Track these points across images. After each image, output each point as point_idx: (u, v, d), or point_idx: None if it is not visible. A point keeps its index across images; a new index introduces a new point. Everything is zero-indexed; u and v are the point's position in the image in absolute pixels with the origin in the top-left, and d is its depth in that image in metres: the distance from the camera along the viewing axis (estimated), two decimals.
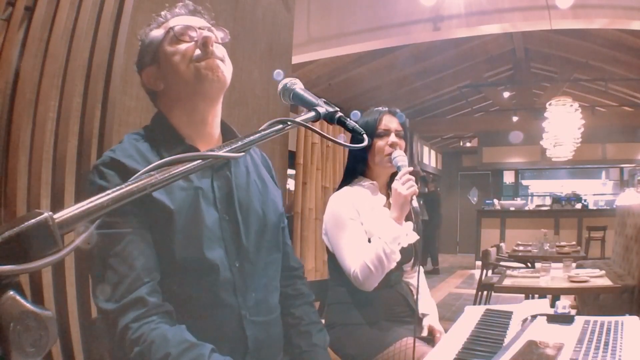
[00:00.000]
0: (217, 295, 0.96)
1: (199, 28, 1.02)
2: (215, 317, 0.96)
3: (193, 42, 1.00)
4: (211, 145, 1.04)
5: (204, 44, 1.00)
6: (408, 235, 1.56)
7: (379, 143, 1.58)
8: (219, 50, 1.03)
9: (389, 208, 1.62)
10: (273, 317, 1.06)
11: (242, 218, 1.02)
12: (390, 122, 1.61)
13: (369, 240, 1.49)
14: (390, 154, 1.56)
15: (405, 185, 1.45)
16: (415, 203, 1.44)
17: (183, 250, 0.93)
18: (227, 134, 1.10)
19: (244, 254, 1.00)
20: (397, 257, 1.45)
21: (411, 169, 1.50)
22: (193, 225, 0.94)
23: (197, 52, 1.00)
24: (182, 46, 1.00)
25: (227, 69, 1.03)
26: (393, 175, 1.65)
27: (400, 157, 1.53)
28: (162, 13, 1.07)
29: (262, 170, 1.15)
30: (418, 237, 1.59)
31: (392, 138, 1.58)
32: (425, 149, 11.14)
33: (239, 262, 0.99)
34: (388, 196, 1.64)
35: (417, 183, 1.48)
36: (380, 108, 1.64)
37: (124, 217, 0.89)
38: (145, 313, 0.86)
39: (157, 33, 1.04)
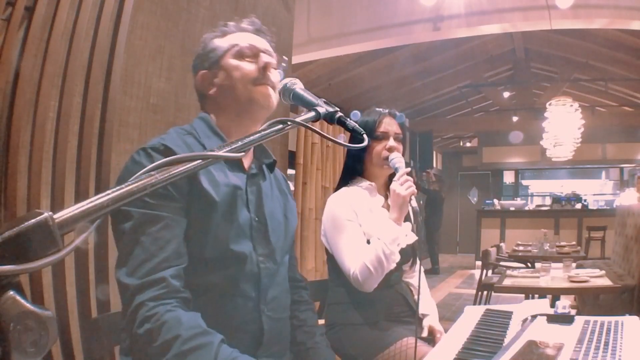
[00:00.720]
0: (242, 287, 1.00)
1: (262, 51, 1.08)
2: (237, 307, 0.99)
3: (254, 64, 1.06)
4: (248, 155, 1.11)
5: (264, 68, 1.06)
6: (407, 235, 1.56)
7: (377, 147, 1.57)
8: (274, 77, 1.08)
9: (388, 209, 1.62)
10: (285, 316, 1.12)
11: (270, 223, 1.08)
12: (389, 125, 1.60)
13: (368, 242, 1.49)
14: (387, 158, 1.56)
15: (403, 186, 1.45)
16: (414, 203, 1.45)
17: (216, 241, 0.97)
18: (259, 147, 1.15)
19: (269, 254, 1.06)
20: (397, 258, 1.45)
21: (409, 169, 1.50)
22: (229, 219, 0.99)
23: (256, 74, 1.05)
24: (244, 65, 1.06)
25: (276, 97, 1.08)
26: (391, 176, 1.65)
27: (397, 159, 1.53)
28: (229, 24, 1.12)
29: (283, 186, 1.22)
30: (417, 238, 1.59)
31: (391, 142, 1.58)
32: None
33: (265, 260, 1.04)
34: (386, 197, 1.65)
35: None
36: (380, 109, 1.63)
37: (165, 201, 0.92)
38: (164, 294, 0.87)
39: (220, 43, 1.09)
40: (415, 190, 1.47)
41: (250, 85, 1.05)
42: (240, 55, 1.06)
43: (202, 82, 1.10)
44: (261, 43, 1.10)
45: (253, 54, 1.07)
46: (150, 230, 0.90)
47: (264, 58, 1.06)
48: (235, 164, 1.06)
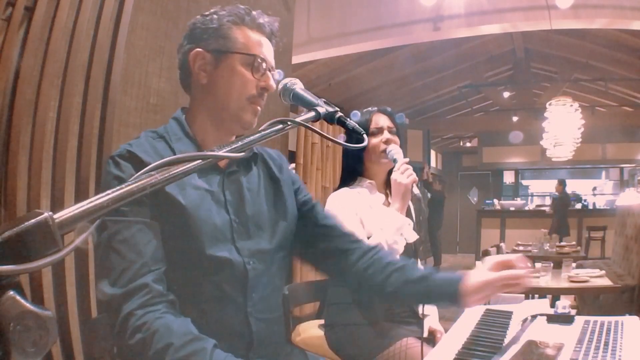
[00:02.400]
0: (226, 290, 0.97)
1: (270, 69, 1.03)
2: (224, 312, 0.98)
3: (258, 80, 1.01)
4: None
5: (263, 89, 1.02)
6: (408, 233, 1.57)
7: (373, 141, 1.58)
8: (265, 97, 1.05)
9: (388, 207, 1.62)
10: (276, 316, 1.08)
11: (254, 221, 1.04)
12: (381, 120, 1.61)
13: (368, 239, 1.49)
14: (384, 151, 1.57)
15: (404, 174, 1.46)
16: (416, 190, 1.45)
17: (192, 247, 0.95)
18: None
19: (256, 254, 1.02)
20: (400, 248, 1.45)
21: (407, 159, 1.51)
22: (203, 224, 0.96)
23: (255, 93, 1.01)
24: (247, 77, 1.01)
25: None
26: (390, 174, 1.66)
27: (394, 150, 1.54)
28: (252, 13, 1.04)
29: (275, 172, 1.15)
30: (417, 237, 1.59)
31: (386, 135, 1.59)
32: None
33: (251, 260, 1.01)
34: (387, 195, 1.65)
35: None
36: (369, 108, 1.65)
37: (137, 206, 0.91)
38: (149, 300, 0.87)
39: (236, 34, 1.01)
40: (417, 178, 1.48)
41: (245, 101, 1.01)
42: (254, 68, 1.01)
43: (195, 62, 1.02)
44: (271, 55, 1.05)
45: (262, 69, 1.02)
46: (125, 236, 0.89)
47: (269, 80, 1.02)
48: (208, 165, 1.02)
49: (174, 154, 0.97)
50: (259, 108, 1.04)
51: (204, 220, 0.96)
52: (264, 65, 1.02)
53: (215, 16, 1.02)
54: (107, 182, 0.95)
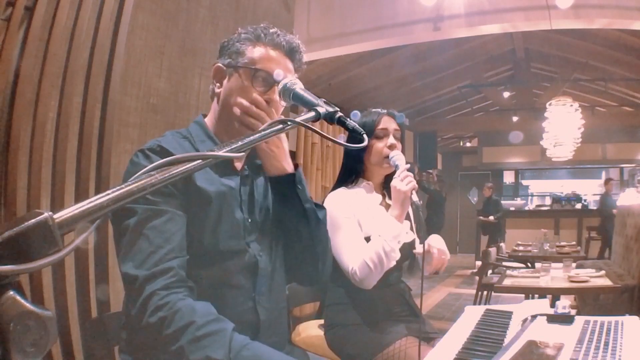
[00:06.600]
0: (237, 279, 1.03)
1: (277, 83, 1.01)
2: (234, 299, 1.02)
3: (262, 95, 1.04)
4: (242, 159, 1.12)
5: (268, 102, 1.04)
6: (407, 233, 1.57)
7: (377, 144, 1.58)
8: (276, 108, 1.06)
9: (385, 207, 1.63)
10: (280, 307, 1.14)
11: (262, 222, 1.10)
12: (389, 123, 1.61)
13: (367, 240, 1.49)
14: (387, 156, 1.56)
15: (404, 182, 1.46)
16: (415, 197, 1.46)
17: (212, 237, 1.00)
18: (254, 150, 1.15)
19: (264, 250, 1.09)
20: (397, 255, 1.46)
21: (408, 166, 1.52)
22: (224, 217, 1.01)
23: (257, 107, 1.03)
24: (252, 92, 1.04)
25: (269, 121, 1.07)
26: (388, 176, 1.66)
27: (397, 157, 1.55)
28: (270, 31, 1.08)
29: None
30: (414, 237, 1.59)
31: (391, 140, 1.59)
32: None
33: (262, 254, 1.07)
34: (383, 196, 1.65)
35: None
36: (379, 110, 1.64)
37: (168, 197, 0.95)
38: (174, 283, 0.90)
39: (248, 51, 1.06)
40: (416, 185, 1.48)
41: (248, 115, 1.04)
42: (254, 79, 1.04)
43: (215, 75, 1.10)
44: (284, 70, 1.07)
45: (267, 84, 1.05)
46: (155, 223, 0.93)
47: (272, 94, 1.04)
48: (227, 167, 1.07)
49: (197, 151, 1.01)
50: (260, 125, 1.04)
51: (225, 215, 1.01)
52: (266, 78, 1.05)
53: (235, 35, 1.10)
54: (131, 173, 0.96)
